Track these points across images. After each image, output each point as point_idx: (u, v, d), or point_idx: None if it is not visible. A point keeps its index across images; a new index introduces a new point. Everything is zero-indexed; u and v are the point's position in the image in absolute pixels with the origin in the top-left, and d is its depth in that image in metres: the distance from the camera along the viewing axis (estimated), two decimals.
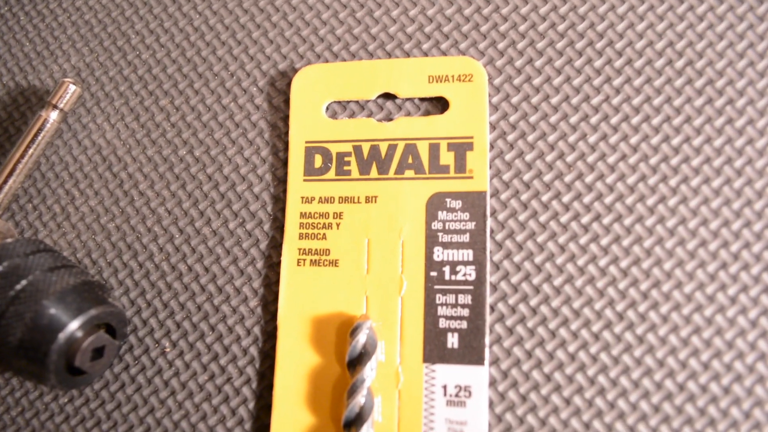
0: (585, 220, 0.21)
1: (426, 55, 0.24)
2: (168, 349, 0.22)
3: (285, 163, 0.23)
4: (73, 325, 0.20)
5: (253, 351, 0.22)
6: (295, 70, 0.24)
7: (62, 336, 0.20)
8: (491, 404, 0.20)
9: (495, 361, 0.21)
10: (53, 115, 0.24)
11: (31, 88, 0.27)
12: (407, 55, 0.24)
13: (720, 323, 0.20)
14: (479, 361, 0.20)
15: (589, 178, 0.21)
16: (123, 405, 0.22)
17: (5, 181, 0.24)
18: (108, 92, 0.26)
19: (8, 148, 0.26)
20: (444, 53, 0.23)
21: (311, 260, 0.22)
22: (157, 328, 0.23)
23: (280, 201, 0.23)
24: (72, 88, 0.24)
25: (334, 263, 0.22)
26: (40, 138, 0.24)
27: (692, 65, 0.22)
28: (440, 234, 0.21)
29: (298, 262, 0.22)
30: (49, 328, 0.20)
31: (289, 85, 0.24)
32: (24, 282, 0.20)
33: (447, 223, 0.21)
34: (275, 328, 0.22)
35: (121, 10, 0.27)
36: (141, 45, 0.26)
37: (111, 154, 0.25)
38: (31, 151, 0.24)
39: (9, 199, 0.24)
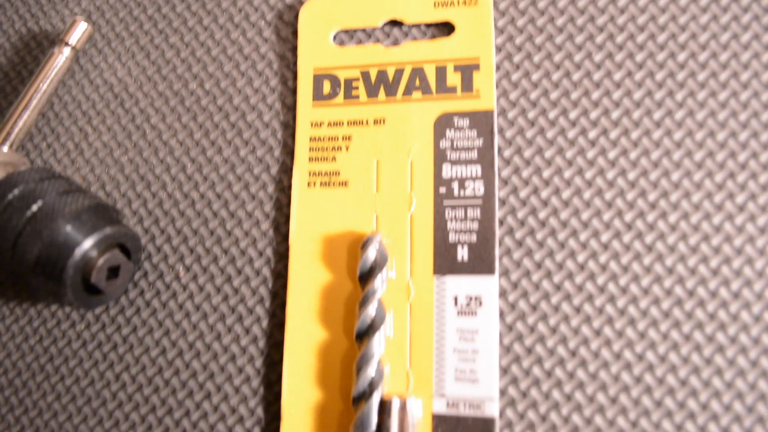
0: (592, 134, 0.22)
1: None
2: (182, 274, 0.23)
3: (294, 91, 0.24)
4: (88, 243, 0.21)
5: (266, 271, 0.22)
6: (302, 2, 0.25)
7: (78, 252, 0.21)
8: (502, 314, 0.21)
9: (505, 273, 0.21)
10: (66, 51, 0.25)
11: (43, 32, 0.27)
12: None
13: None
14: (489, 271, 0.21)
15: (595, 95, 0.22)
16: (138, 329, 0.23)
17: (19, 117, 0.25)
18: (118, 32, 0.26)
19: (21, 90, 0.27)
20: None
21: (321, 182, 0.23)
22: (171, 254, 0.23)
23: (289, 127, 0.24)
24: (83, 25, 0.25)
25: (344, 184, 0.22)
26: (52, 75, 0.25)
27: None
28: (448, 152, 0.22)
29: (309, 184, 0.23)
30: (65, 245, 0.21)
31: (296, 17, 0.25)
32: (39, 202, 0.21)
33: (455, 141, 0.22)
34: (287, 249, 0.22)
35: None
36: None
37: (122, 91, 0.26)
38: (44, 87, 0.25)
39: (23, 134, 0.25)
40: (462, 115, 0.22)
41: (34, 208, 0.21)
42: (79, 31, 0.25)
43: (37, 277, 0.21)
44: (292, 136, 0.24)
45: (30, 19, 0.28)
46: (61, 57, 0.25)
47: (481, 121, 0.22)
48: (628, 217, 0.21)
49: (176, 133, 0.25)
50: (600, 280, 0.21)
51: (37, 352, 0.24)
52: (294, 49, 0.25)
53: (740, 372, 0.19)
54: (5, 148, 0.25)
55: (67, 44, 0.25)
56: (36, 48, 0.27)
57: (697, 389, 0.19)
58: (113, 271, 0.22)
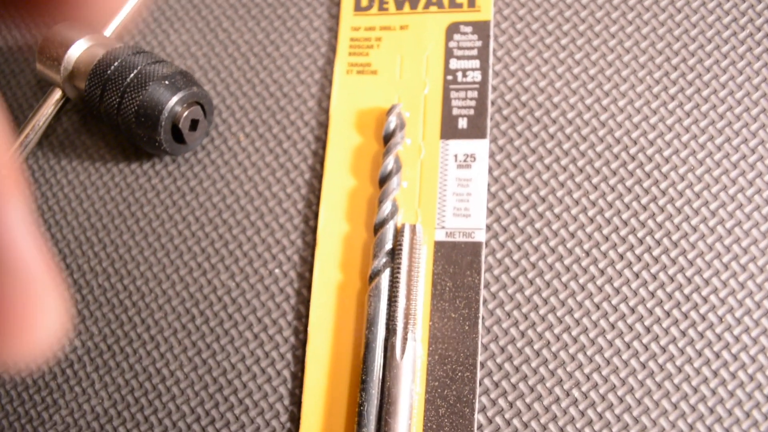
0: (566, 38, 0.29)
1: None
2: (242, 138, 0.30)
3: (338, 3, 0.31)
4: (175, 99, 0.28)
5: (309, 137, 0.30)
6: None
7: (168, 106, 0.28)
8: (489, 169, 0.28)
9: (494, 139, 0.28)
10: None
11: None
12: None
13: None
14: (482, 135, 0.28)
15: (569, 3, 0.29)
16: (203, 181, 0.30)
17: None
18: None
19: None
20: None
21: (357, 70, 0.30)
22: (233, 124, 0.30)
23: (333, 30, 0.31)
24: None
25: (374, 72, 0.30)
26: None
27: None
28: (455, 50, 0.29)
29: (347, 71, 0.30)
30: (158, 102, 0.28)
31: None
32: (135, 71, 0.28)
33: (460, 42, 0.29)
34: (327, 119, 0.30)
35: None
36: None
37: (201, 2, 0.33)
38: None
39: (121, 25, 0.32)
40: (467, 23, 0.30)
41: (131, 75, 0.28)
42: None
43: (138, 128, 0.28)
44: (335, 36, 0.31)
45: None
46: None
47: (480, 28, 0.29)
48: (606, 86, 0.28)
49: (243, 34, 0.32)
50: (573, 153, 0.28)
51: (121, 187, 0.31)
52: None
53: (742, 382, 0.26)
54: (110, 34, 0.32)
55: None
56: None
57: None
58: (194, 123, 0.29)
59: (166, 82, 0.28)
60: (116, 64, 0.29)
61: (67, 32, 0.30)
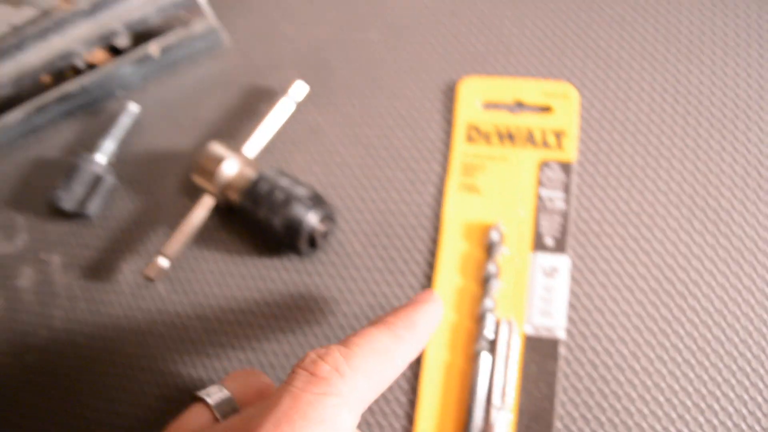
0: (641, 184, 0.38)
1: (542, 76, 0.41)
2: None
3: (449, 134, 0.41)
4: (312, 218, 0.37)
5: (423, 242, 0.39)
6: (460, 79, 0.42)
7: (307, 224, 0.37)
8: (571, 278, 0.37)
9: (574, 255, 0.37)
10: (289, 101, 0.42)
11: (269, 87, 0.44)
12: (531, 74, 0.41)
13: None
14: (563, 251, 0.37)
15: (646, 158, 0.38)
16: (322, 275, 0.39)
17: (260, 136, 0.41)
18: (322, 91, 0.43)
19: (254, 122, 0.43)
20: (553, 76, 0.41)
21: (465, 189, 0.39)
22: (354, 228, 0.40)
23: (446, 155, 0.40)
24: (303, 85, 0.42)
25: (479, 192, 0.39)
26: (282, 111, 0.42)
27: None
28: (545, 181, 0.38)
29: (458, 189, 0.39)
30: (301, 219, 0.37)
31: (455, 88, 0.42)
32: (283, 193, 0.37)
33: (548, 176, 0.39)
34: (440, 228, 0.39)
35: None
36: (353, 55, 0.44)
37: (320, 128, 0.42)
38: (275, 118, 0.42)
39: (261, 147, 0.41)
40: (554, 162, 0.39)
41: (281, 196, 0.37)
42: (300, 88, 0.42)
43: (282, 238, 0.37)
44: (448, 160, 0.40)
45: (260, 77, 0.45)
46: (288, 102, 0.42)
47: (565, 166, 0.39)
48: (684, 211, 0.37)
49: (368, 152, 0.41)
50: (635, 267, 0.37)
51: (261, 288, 0.39)
52: (454, 110, 0.41)
53: None
54: (251, 155, 0.41)
55: (290, 97, 0.42)
56: (266, 96, 0.44)
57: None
58: (325, 234, 0.38)
59: (306, 203, 0.37)
60: (267, 184, 0.38)
61: (220, 151, 0.40)
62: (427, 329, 0.30)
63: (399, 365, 0.29)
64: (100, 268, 0.42)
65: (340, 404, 0.26)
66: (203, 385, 0.38)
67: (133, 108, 0.45)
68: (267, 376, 0.33)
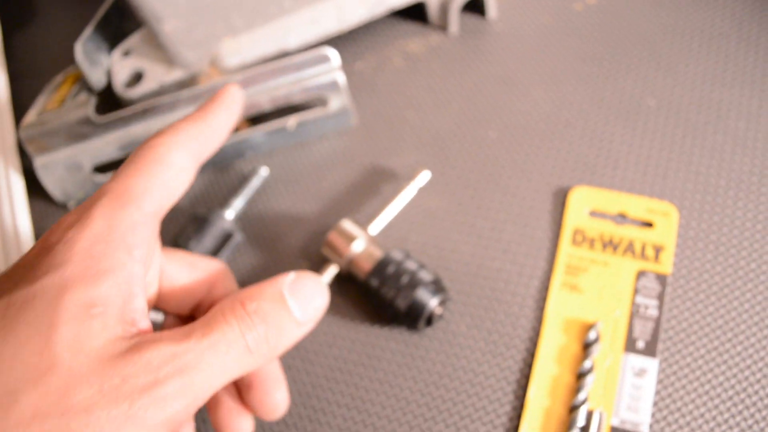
0: (740, 294, 0.46)
1: (645, 193, 0.49)
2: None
3: (558, 236, 0.49)
4: (434, 302, 0.45)
5: (525, 332, 0.46)
6: (570, 187, 0.50)
7: (429, 306, 0.45)
8: (658, 380, 0.44)
9: (662, 360, 0.45)
10: (413, 189, 0.50)
11: (390, 169, 0.53)
12: (635, 189, 0.49)
13: None
14: (653, 355, 0.44)
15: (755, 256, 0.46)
16: (434, 351, 0.47)
17: (384, 215, 0.49)
18: (438, 179, 0.52)
19: (377, 201, 0.52)
20: (655, 194, 0.49)
21: (568, 286, 0.47)
22: (462, 311, 0.47)
23: (553, 255, 0.48)
24: (427, 173, 0.50)
25: (580, 291, 0.47)
26: (407, 195, 0.50)
27: None
28: (641, 289, 0.46)
29: (561, 287, 0.47)
30: (422, 303, 0.45)
31: (566, 193, 0.50)
32: (407, 276, 0.45)
33: (645, 285, 0.46)
34: (542, 321, 0.46)
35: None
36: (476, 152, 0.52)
37: (433, 209, 0.51)
38: (401, 201, 0.50)
39: (383, 225, 0.50)
40: (651, 273, 0.47)
41: (405, 278, 0.45)
42: (425, 177, 0.51)
43: (404, 318, 0.45)
44: (554, 260, 0.48)
45: (382, 157, 0.54)
46: (413, 189, 0.50)
47: (661, 278, 0.46)
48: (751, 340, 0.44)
49: (474, 239, 0.49)
50: (720, 378, 0.44)
51: (369, 353, 0.47)
52: (563, 213, 0.50)
53: None
54: (375, 233, 0.49)
55: (415, 184, 0.50)
56: (386, 177, 0.53)
57: None
58: (440, 316, 0.46)
59: (430, 287, 0.45)
60: (393, 267, 0.46)
61: (351, 229, 0.48)
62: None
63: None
64: None
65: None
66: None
67: (264, 172, 0.54)
68: None
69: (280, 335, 0.33)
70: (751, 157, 0.51)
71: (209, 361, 0.30)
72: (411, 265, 0.46)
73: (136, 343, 0.30)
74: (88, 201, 0.33)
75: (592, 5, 0.59)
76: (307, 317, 0.35)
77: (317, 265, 0.50)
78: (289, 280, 0.35)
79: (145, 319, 0.32)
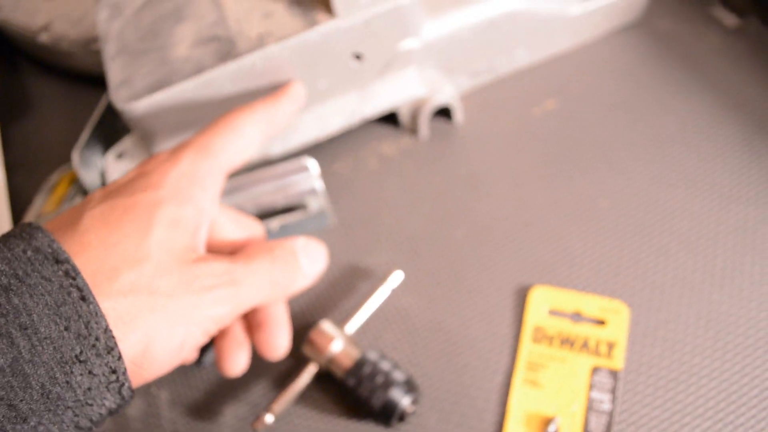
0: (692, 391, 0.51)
1: (599, 292, 0.55)
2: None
3: (519, 333, 0.54)
4: (406, 401, 0.50)
5: (492, 423, 0.51)
6: (530, 285, 0.55)
7: (401, 406, 0.50)
8: None
9: None
10: (387, 290, 0.55)
11: (366, 267, 0.58)
12: (591, 288, 0.55)
13: None
14: None
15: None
16: None
17: (357, 317, 0.54)
18: (412, 279, 0.57)
19: (355, 300, 0.57)
20: (608, 292, 0.54)
21: (529, 382, 0.52)
22: (430, 404, 0.52)
23: (515, 352, 0.53)
24: (401, 274, 0.55)
25: (540, 386, 0.52)
26: (380, 297, 0.55)
27: None
28: (596, 384, 0.51)
29: (523, 382, 0.52)
30: (395, 402, 0.50)
31: (527, 291, 0.55)
32: (381, 377, 0.50)
33: (599, 380, 0.51)
34: (505, 415, 0.51)
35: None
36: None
37: (408, 311, 0.55)
38: (375, 303, 0.55)
39: (359, 326, 0.55)
40: (605, 369, 0.52)
41: (379, 379, 0.50)
42: (398, 277, 0.56)
43: (376, 416, 0.50)
44: (516, 356, 0.53)
45: (358, 256, 0.59)
46: (386, 289, 0.55)
47: (613, 373, 0.51)
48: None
49: (442, 340, 0.54)
50: None
51: None
52: (524, 312, 0.55)
53: None
54: (351, 332, 0.54)
55: (388, 284, 0.55)
56: (363, 275, 0.58)
57: None
58: (413, 413, 0.51)
59: (403, 387, 0.50)
60: (369, 367, 0.51)
61: (329, 330, 0.53)
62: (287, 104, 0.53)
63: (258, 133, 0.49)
64: (203, 410, 0.55)
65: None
66: None
67: None
68: None
69: (293, 280, 0.45)
70: (694, 255, 0.56)
71: (250, 280, 0.42)
72: (385, 365, 0.51)
73: (202, 256, 0.41)
74: (177, 147, 0.44)
75: (551, 110, 0.65)
76: (311, 272, 0.46)
77: (299, 362, 0.55)
78: (301, 242, 0.46)
79: (203, 246, 0.43)
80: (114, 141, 0.63)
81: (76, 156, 0.60)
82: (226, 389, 0.55)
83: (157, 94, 0.53)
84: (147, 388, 0.56)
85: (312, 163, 0.56)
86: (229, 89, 0.55)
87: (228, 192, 0.57)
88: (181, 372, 0.56)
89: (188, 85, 0.54)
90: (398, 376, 0.50)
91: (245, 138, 0.46)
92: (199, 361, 0.55)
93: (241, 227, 0.50)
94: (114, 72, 0.56)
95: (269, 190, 0.57)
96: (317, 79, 0.57)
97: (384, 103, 0.61)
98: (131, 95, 0.54)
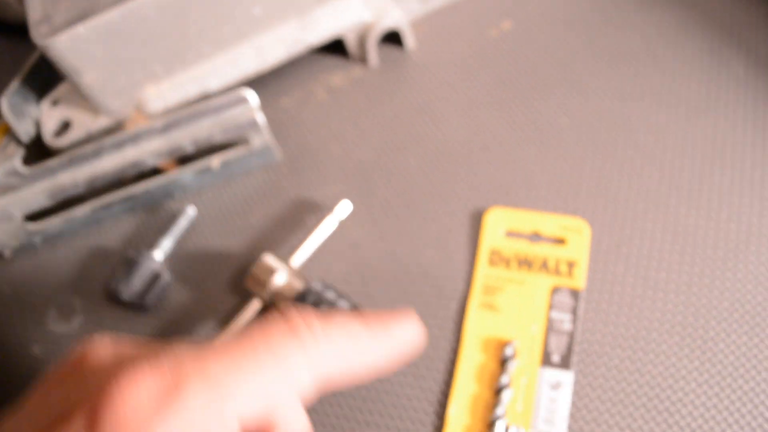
0: (644, 312, 0.48)
1: (559, 211, 0.52)
2: None
3: (475, 257, 0.52)
4: None
5: (445, 353, 0.49)
6: (487, 208, 0.53)
7: None
8: (573, 392, 0.47)
9: (577, 372, 0.47)
10: (335, 220, 0.53)
11: (315, 202, 0.56)
12: (550, 209, 0.52)
13: None
14: (568, 367, 0.47)
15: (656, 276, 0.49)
16: None
17: (305, 248, 0.52)
18: (362, 210, 0.55)
19: (301, 234, 0.55)
20: (568, 211, 0.52)
21: (485, 306, 0.50)
22: None
23: (470, 277, 0.51)
24: (349, 204, 0.53)
25: (497, 310, 0.49)
26: (328, 227, 0.53)
27: None
28: (556, 304, 0.49)
29: (479, 307, 0.50)
30: None
31: (483, 214, 0.53)
32: (325, 306, 0.48)
33: (559, 300, 0.49)
34: (460, 341, 0.49)
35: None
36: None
37: (358, 242, 0.53)
38: (321, 233, 0.53)
39: (306, 259, 0.52)
40: (565, 288, 0.49)
41: (324, 308, 0.48)
42: (345, 207, 0.53)
43: None
44: (472, 280, 0.51)
45: (306, 190, 0.56)
46: (333, 220, 0.53)
47: (574, 292, 0.49)
48: (686, 351, 0.47)
49: (395, 260, 0.52)
50: (635, 386, 0.46)
51: None
52: (479, 236, 0.52)
53: None
54: (296, 265, 0.52)
55: (335, 215, 0.53)
56: (311, 208, 0.56)
57: None
58: None
59: None
60: (313, 297, 0.48)
61: (272, 262, 0.50)
62: (401, 342, 0.37)
63: (365, 362, 0.34)
64: None
65: (304, 360, 0.31)
66: None
67: (192, 212, 0.57)
68: None
69: None
70: (660, 169, 0.54)
71: None
72: (330, 295, 0.49)
73: None
74: None
75: (507, 31, 0.63)
76: None
77: (245, 299, 0.53)
78: None
79: None
80: (50, 91, 0.62)
81: (4, 103, 0.58)
82: (172, 333, 0.53)
83: (78, 27, 0.51)
84: (90, 336, 0.54)
85: (251, 94, 0.54)
86: (156, 19, 0.53)
87: (164, 129, 0.54)
88: (124, 317, 0.54)
89: (111, 16, 0.51)
90: (343, 304, 0.48)
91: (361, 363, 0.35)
92: (141, 306, 0.53)
93: None
94: (34, 8, 0.54)
95: (207, 125, 0.55)
96: (251, 5, 0.55)
97: (327, 29, 0.58)
98: (51, 30, 0.52)
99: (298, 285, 0.50)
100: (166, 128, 0.54)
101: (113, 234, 0.59)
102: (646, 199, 0.53)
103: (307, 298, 0.48)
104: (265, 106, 0.62)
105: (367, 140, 0.59)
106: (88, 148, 0.55)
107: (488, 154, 0.57)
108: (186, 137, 0.55)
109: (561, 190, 0.54)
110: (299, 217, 0.56)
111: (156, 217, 0.59)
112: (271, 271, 0.50)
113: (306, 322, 0.32)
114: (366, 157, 0.58)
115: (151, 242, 0.57)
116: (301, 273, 0.51)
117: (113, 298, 0.55)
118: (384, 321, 0.36)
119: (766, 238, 0.51)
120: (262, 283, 0.50)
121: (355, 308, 0.48)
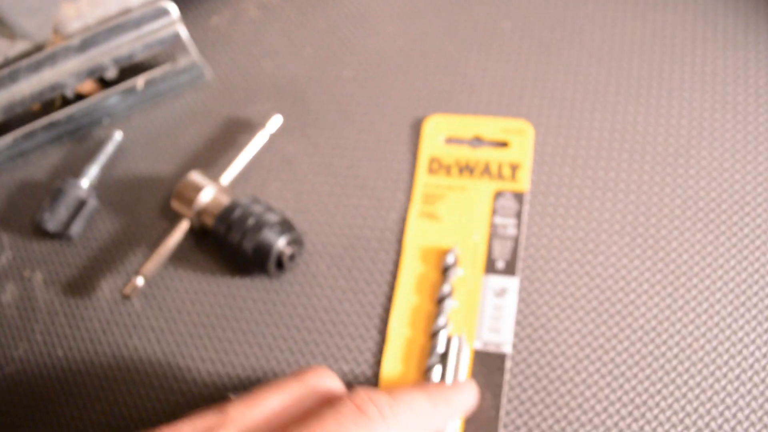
0: (587, 202, 0.46)
1: (501, 114, 0.50)
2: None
3: (415, 165, 0.49)
4: (281, 241, 0.45)
5: (384, 265, 0.47)
6: (426, 116, 0.51)
7: (276, 247, 0.45)
8: (520, 298, 0.45)
9: (522, 278, 0.45)
10: (266, 134, 0.50)
11: (246, 119, 0.53)
12: (492, 113, 0.50)
13: None
14: (513, 273, 0.45)
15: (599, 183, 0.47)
16: (290, 293, 0.47)
17: (234, 164, 0.49)
18: (293, 124, 0.52)
19: (232, 151, 0.52)
20: (511, 114, 0.50)
21: (426, 215, 0.47)
22: (321, 252, 0.47)
23: (409, 187, 0.48)
24: (279, 118, 0.51)
25: (437, 219, 0.47)
26: (258, 142, 0.50)
27: None
28: (499, 209, 0.47)
29: (419, 216, 0.47)
30: (270, 243, 0.45)
31: (422, 123, 0.50)
32: (253, 218, 0.45)
33: (502, 205, 0.47)
34: (401, 251, 0.47)
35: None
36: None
37: (294, 159, 0.51)
38: (251, 149, 0.50)
39: (236, 175, 0.50)
40: (509, 192, 0.47)
41: (251, 221, 0.45)
42: (276, 121, 0.51)
43: (252, 264, 0.45)
44: (411, 189, 0.48)
45: (238, 109, 0.54)
46: (264, 135, 0.50)
47: (518, 196, 0.47)
48: (626, 239, 0.45)
49: (330, 182, 0.49)
50: (581, 291, 0.44)
51: (231, 305, 0.47)
52: (418, 144, 0.50)
53: None
54: (226, 183, 0.49)
55: (266, 129, 0.50)
56: (243, 127, 0.53)
57: None
58: (292, 256, 0.46)
59: (276, 228, 0.45)
60: (239, 210, 0.46)
61: (197, 179, 0.48)
62: (460, 409, 0.40)
63: (425, 430, 0.37)
64: (80, 286, 0.50)
65: None
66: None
67: (118, 136, 0.54)
68: (338, 379, 0.39)
69: None
70: (607, 68, 0.51)
71: None
72: (257, 208, 0.46)
73: None
74: None
75: None
76: None
77: (175, 223, 0.50)
78: None
79: None
80: None
81: None
82: (102, 262, 0.50)
83: None
84: (20, 272, 0.51)
85: (171, 6, 0.51)
86: None
87: (81, 47, 0.51)
88: (53, 250, 0.52)
89: None
90: (271, 217, 0.46)
91: None
92: (65, 235, 0.51)
93: None
94: None
95: (126, 41, 0.52)
96: None
97: None
98: None
99: (225, 200, 0.47)
100: (84, 46, 0.51)
101: (40, 166, 0.56)
102: (594, 99, 0.50)
103: (234, 213, 0.46)
104: (194, 25, 0.59)
105: (300, 55, 0.56)
106: (3, 71, 0.52)
107: (427, 62, 0.54)
108: (106, 55, 0.52)
109: (503, 93, 0.51)
110: (231, 136, 0.53)
111: (84, 145, 0.56)
112: (197, 189, 0.47)
113: (373, 401, 0.35)
114: (299, 72, 0.55)
115: (80, 172, 0.54)
116: (230, 189, 0.48)
117: (40, 230, 0.52)
118: (445, 393, 0.39)
119: (719, 133, 0.48)
120: (189, 202, 0.47)
121: (284, 221, 0.46)
